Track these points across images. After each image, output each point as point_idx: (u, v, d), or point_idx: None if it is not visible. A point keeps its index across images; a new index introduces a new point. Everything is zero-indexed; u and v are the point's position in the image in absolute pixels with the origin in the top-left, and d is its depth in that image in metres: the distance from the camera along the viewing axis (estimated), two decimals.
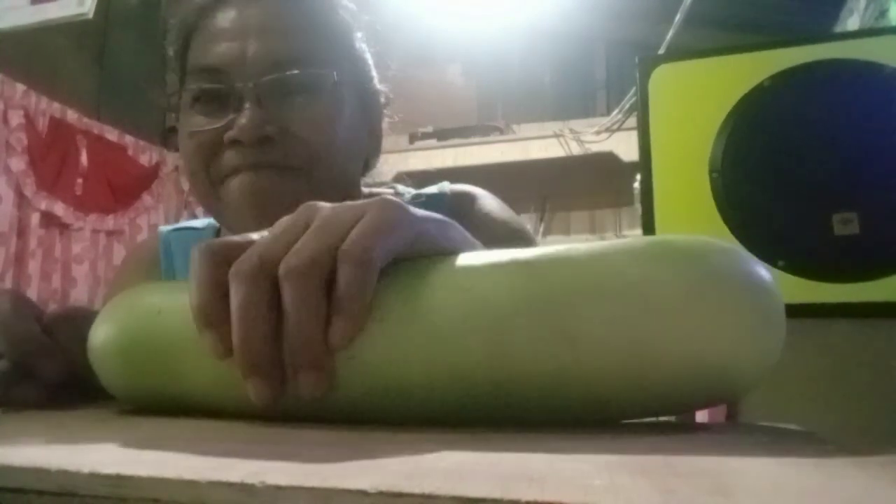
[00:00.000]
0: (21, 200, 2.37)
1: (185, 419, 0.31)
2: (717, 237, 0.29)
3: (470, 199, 0.69)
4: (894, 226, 1.05)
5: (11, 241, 2.32)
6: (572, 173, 2.97)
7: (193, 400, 0.33)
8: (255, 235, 0.30)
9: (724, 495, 0.15)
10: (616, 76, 3.19)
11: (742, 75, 1.14)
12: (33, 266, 2.38)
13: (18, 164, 2.34)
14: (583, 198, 3.19)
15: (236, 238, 0.30)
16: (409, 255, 0.30)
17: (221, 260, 0.29)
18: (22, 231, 2.37)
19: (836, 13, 2.02)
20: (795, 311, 0.89)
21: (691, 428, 0.30)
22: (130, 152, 2.83)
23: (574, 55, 3.25)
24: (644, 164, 1.18)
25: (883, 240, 1.05)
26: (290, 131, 0.56)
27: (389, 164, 0.72)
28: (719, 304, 0.27)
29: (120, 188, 2.76)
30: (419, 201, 0.67)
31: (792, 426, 0.31)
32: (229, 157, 0.55)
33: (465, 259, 0.30)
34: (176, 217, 2.94)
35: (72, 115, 2.56)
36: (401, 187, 0.72)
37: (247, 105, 0.55)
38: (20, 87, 2.36)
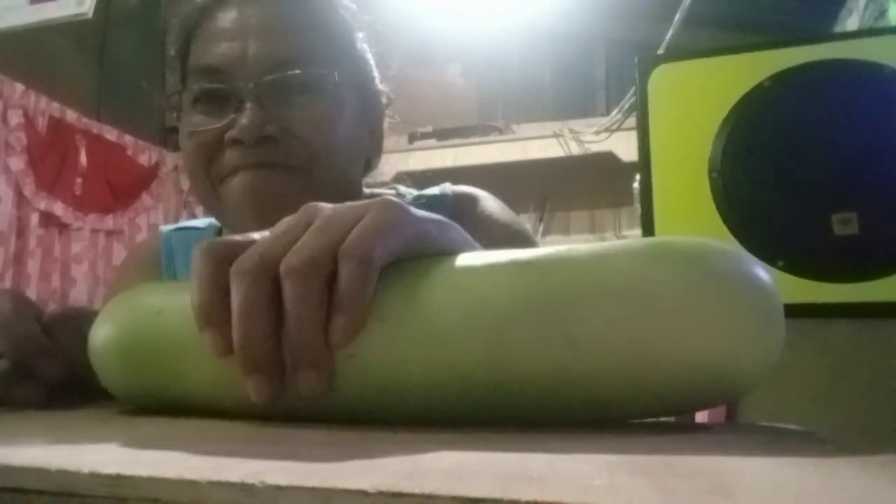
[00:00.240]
0: (20, 200, 2.37)
1: (185, 419, 0.31)
2: (717, 237, 0.29)
3: (471, 200, 0.69)
4: (894, 226, 1.05)
5: (11, 240, 2.32)
6: (572, 173, 2.97)
7: (193, 400, 0.33)
8: (256, 235, 0.31)
9: (724, 495, 0.15)
10: (616, 76, 3.19)
11: (742, 75, 1.14)
12: (32, 266, 2.39)
13: (18, 163, 2.34)
14: (582, 198, 3.19)
15: (238, 237, 0.31)
16: (410, 256, 0.30)
17: (223, 259, 0.29)
18: (21, 231, 2.37)
19: (836, 13, 2.02)
20: (795, 311, 0.89)
21: (691, 428, 0.30)
22: (130, 152, 2.84)
23: (574, 55, 3.26)
24: (643, 164, 1.18)
25: (883, 240, 1.05)
26: (291, 131, 0.56)
27: (390, 164, 0.72)
28: (719, 305, 0.27)
29: (119, 188, 2.76)
30: (420, 202, 0.67)
31: (792, 426, 0.31)
32: (230, 157, 0.56)
33: (466, 259, 0.30)
34: (175, 217, 2.94)
35: (71, 115, 2.56)
36: (402, 188, 0.72)
37: (247, 105, 0.55)
38: (19, 87, 2.36)
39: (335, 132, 0.58)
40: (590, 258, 0.28)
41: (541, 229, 3.19)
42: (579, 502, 0.14)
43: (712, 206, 1.13)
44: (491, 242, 0.38)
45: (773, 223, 1.09)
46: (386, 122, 0.68)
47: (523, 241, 0.68)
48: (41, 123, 2.44)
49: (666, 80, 1.19)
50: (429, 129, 2.99)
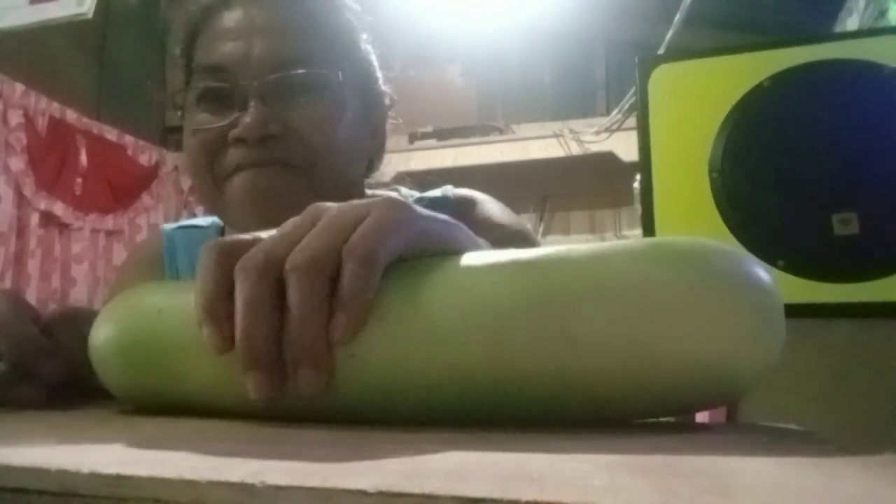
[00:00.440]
0: (20, 200, 2.37)
1: (185, 419, 0.31)
2: (717, 237, 0.29)
3: (472, 203, 0.70)
4: (894, 226, 1.05)
5: (11, 240, 2.32)
6: (572, 173, 2.96)
7: (193, 400, 0.33)
8: (263, 234, 0.31)
9: (724, 495, 0.15)
10: (616, 76, 3.19)
11: (742, 75, 1.14)
12: (33, 266, 2.38)
13: (18, 163, 2.34)
14: (582, 198, 3.19)
15: (245, 236, 0.31)
16: (414, 255, 0.30)
17: (229, 257, 0.29)
18: (21, 231, 2.37)
19: (836, 13, 2.02)
20: (795, 311, 0.89)
21: (691, 428, 0.30)
22: (130, 152, 2.83)
23: (574, 55, 3.25)
24: (644, 164, 1.18)
25: (883, 240, 1.05)
26: (294, 130, 0.56)
27: (391, 164, 0.72)
28: (719, 305, 0.27)
29: (119, 188, 2.76)
30: (422, 204, 0.67)
31: (792, 426, 0.31)
32: (233, 155, 0.56)
33: (466, 259, 0.30)
34: (175, 217, 2.94)
35: (71, 115, 2.56)
36: (404, 189, 0.72)
37: (251, 104, 0.55)
38: (19, 87, 2.36)
39: (337, 132, 0.58)
40: (590, 258, 0.28)
41: (541, 229, 3.19)
42: (579, 502, 0.14)
43: (712, 206, 1.13)
44: (493, 243, 0.38)
45: (773, 223, 1.09)
46: (388, 123, 0.69)
47: (524, 240, 0.68)
48: (41, 123, 2.44)
49: (666, 81, 1.19)
50: (429, 129, 2.99)
